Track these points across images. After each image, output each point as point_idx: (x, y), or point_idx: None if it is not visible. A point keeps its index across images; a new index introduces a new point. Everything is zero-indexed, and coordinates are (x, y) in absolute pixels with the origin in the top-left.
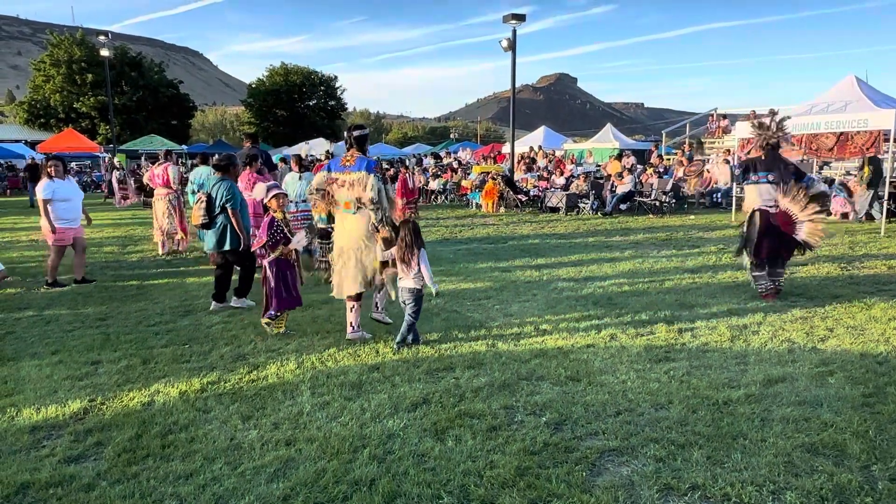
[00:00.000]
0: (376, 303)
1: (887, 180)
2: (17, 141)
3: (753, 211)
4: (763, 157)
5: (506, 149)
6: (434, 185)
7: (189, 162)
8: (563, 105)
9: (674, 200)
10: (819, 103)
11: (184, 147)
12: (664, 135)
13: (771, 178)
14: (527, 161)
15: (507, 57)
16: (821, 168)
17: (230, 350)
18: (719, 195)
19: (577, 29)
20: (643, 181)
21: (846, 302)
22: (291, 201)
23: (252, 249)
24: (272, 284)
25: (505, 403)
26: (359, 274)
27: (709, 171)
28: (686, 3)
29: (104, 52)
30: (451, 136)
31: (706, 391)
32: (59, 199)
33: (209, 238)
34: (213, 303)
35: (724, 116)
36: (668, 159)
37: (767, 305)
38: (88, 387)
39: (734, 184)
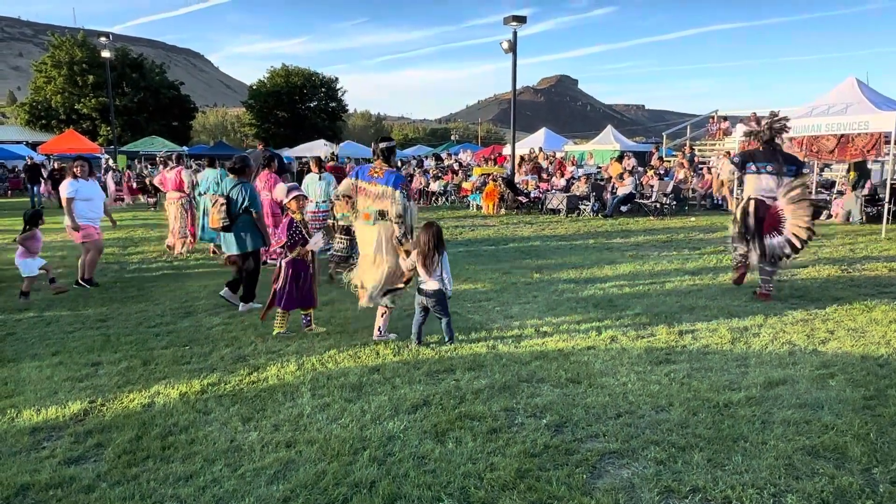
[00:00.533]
0: (378, 326)
1: (888, 183)
2: (18, 142)
3: (749, 199)
4: (761, 150)
5: (506, 150)
6: (435, 186)
7: (193, 164)
8: (563, 107)
9: (674, 202)
10: (820, 105)
11: (185, 148)
12: (665, 137)
13: (771, 168)
14: (535, 165)
15: (508, 59)
16: (821, 170)
17: (230, 351)
18: (720, 197)
19: (578, 31)
20: (644, 183)
21: (847, 304)
22: (312, 201)
23: (271, 248)
24: (284, 284)
25: (505, 405)
26: (374, 283)
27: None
28: (687, 4)
29: (105, 54)
30: (452, 137)
31: (707, 393)
32: (81, 198)
33: (229, 240)
34: (241, 304)
35: (725, 118)
36: (669, 161)
37: (768, 308)
38: (89, 388)
39: (734, 175)
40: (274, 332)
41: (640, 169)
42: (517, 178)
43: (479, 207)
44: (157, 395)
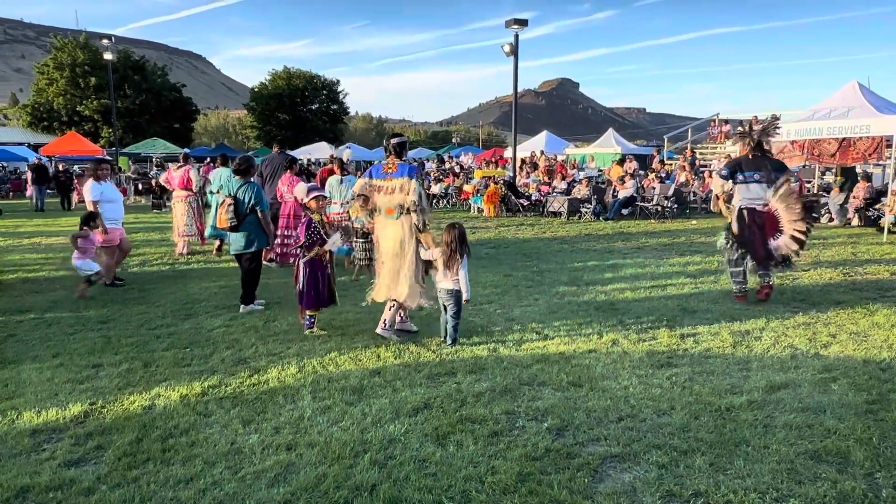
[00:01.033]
0: (384, 320)
1: (890, 186)
2: (20, 144)
3: (741, 209)
4: (749, 157)
5: (507, 153)
6: (436, 189)
7: (197, 166)
8: (564, 110)
9: (676, 205)
10: (821, 109)
11: (186, 150)
12: (666, 140)
13: (758, 177)
14: (547, 167)
15: (509, 62)
16: (823, 173)
17: (231, 354)
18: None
19: (580, 34)
20: (645, 186)
21: (849, 308)
22: (335, 202)
23: (290, 249)
24: (302, 285)
25: (506, 409)
26: (396, 279)
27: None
28: (688, 8)
29: (107, 56)
30: (454, 140)
31: (708, 397)
32: (105, 201)
33: (237, 239)
34: (242, 306)
35: (727, 121)
36: (670, 164)
37: (770, 311)
38: (89, 390)
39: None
40: (317, 334)
41: (642, 172)
42: (518, 181)
43: (480, 210)
44: (158, 397)
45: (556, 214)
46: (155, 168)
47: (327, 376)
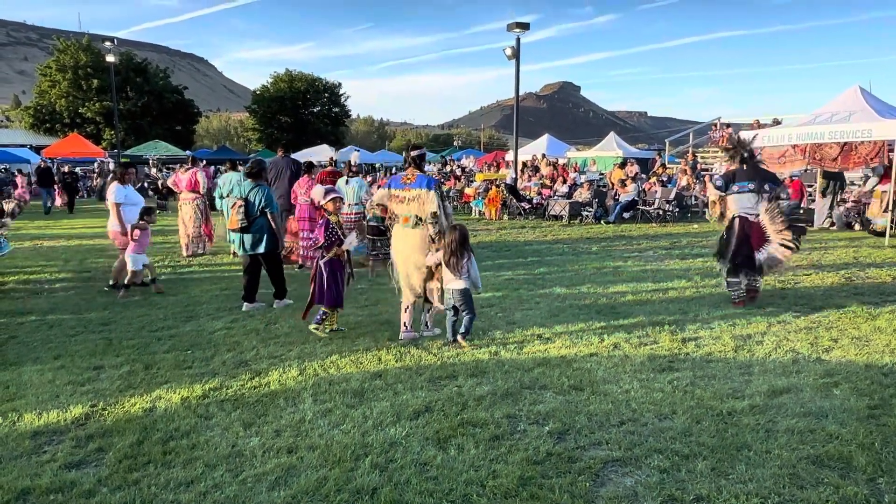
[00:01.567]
0: (426, 322)
1: (891, 189)
2: (22, 145)
3: (734, 218)
4: (743, 168)
5: (509, 156)
6: None
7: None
8: (566, 113)
9: (677, 209)
10: (823, 113)
11: (188, 152)
12: (667, 143)
13: (752, 186)
14: (552, 171)
15: (511, 65)
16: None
17: (232, 356)
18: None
19: (581, 38)
20: (646, 190)
21: (851, 312)
22: (346, 203)
23: (309, 250)
24: (324, 284)
25: (508, 412)
26: (413, 283)
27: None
28: (690, 12)
29: (110, 58)
30: (455, 143)
31: (710, 402)
32: (129, 203)
33: (246, 240)
34: (245, 304)
35: (728, 125)
36: (672, 168)
37: (771, 316)
38: (90, 392)
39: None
40: (327, 330)
41: (643, 176)
42: (520, 185)
43: (481, 213)
44: (159, 399)
45: (557, 218)
46: (153, 170)
47: (328, 379)
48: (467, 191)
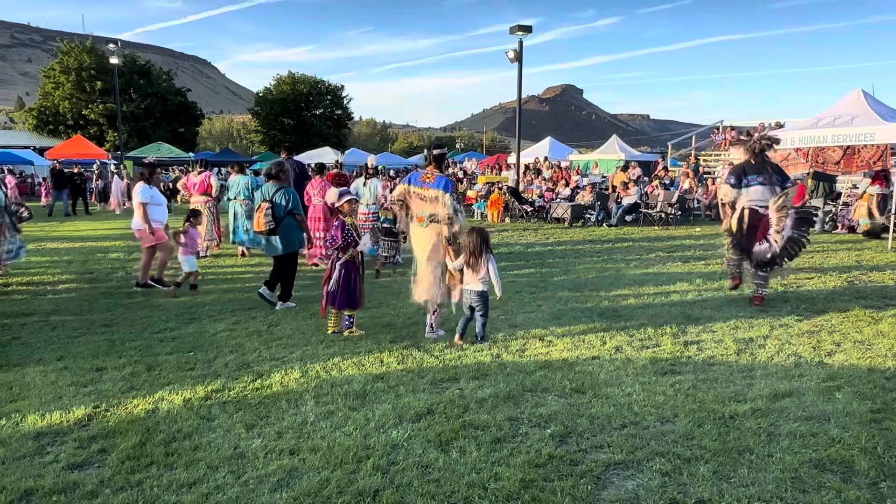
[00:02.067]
0: (431, 324)
1: (893, 193)
2: (26, 147)
3: (742, 209)
4: (752, 162)
5: (511, 159)
6: None
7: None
8: (568, 116)
9: (679, 212)
10: (825, 116)
11: (191, 154)
12: (670, 146)
13: (761, 179)
14: (554, 174)
15: (513, 68)
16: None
17: (235, 358)
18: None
19: (584, 40)
20: (649, 193)
21: (853, 316)
22: (361, 203)
23: (325, 251)
24: (341, 285)
25: (509, 415)
26: (428, 282)
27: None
28: (693, 15)
29: (113, 60)
30: (457, 145)
31: (712, 405)
32: (154, 203)
33: (274, 242)
34: (280, 302)
35: (731, 128)
36: (674, 171)
37: (774, 319)
38: (93, 393)
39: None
40: (329, 331)
41: (646, 179)
42: (522, 187)
43: (483, 215)
44: (161, 401)
45: (559, 220)
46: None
47: (330, 381)
48: (469, 193)
